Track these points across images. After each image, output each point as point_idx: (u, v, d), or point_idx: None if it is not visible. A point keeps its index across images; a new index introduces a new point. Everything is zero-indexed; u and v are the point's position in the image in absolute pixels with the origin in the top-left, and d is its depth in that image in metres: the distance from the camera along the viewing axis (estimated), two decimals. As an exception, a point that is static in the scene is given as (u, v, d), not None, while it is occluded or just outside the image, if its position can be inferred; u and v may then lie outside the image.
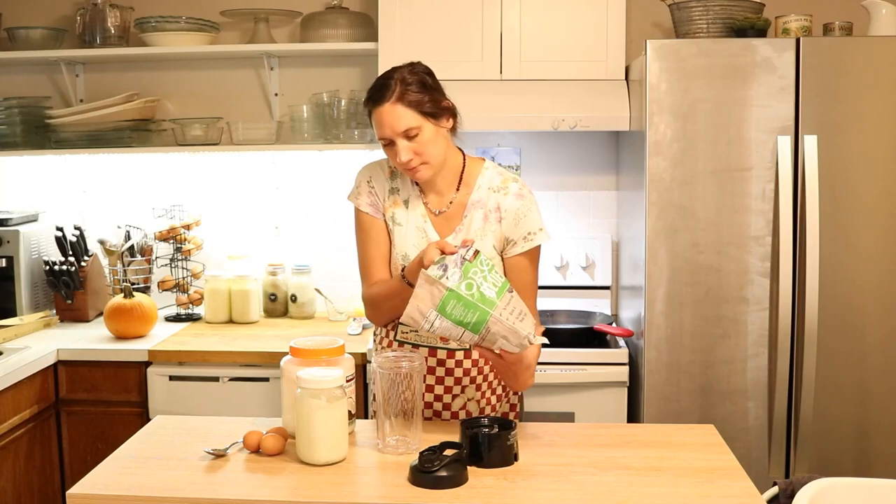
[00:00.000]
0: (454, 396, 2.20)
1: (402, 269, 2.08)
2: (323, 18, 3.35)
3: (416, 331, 2.13)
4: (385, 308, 2.19)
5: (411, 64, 2.14)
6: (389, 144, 2.10)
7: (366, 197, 2.23)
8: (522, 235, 2.15)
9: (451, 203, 2.19)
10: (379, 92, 2.08)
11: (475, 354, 2.18)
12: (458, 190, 2.19)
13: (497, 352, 1.90)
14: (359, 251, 2.25)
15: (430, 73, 2.14)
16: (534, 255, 2.19)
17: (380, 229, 2.22)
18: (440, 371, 2.18)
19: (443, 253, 1.90)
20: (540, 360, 2.84)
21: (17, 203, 3.61)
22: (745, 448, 2.71)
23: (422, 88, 2.08)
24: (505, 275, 2.15)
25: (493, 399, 2.25)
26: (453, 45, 3.12)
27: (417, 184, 2.21)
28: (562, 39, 3.11)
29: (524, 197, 2.17)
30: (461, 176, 2.20)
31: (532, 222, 2.15)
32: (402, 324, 2.14)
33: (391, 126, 2.06)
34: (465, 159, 2.22)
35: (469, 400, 2.21)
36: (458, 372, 2.19)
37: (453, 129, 2.18)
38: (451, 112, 2.15)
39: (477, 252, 1.88)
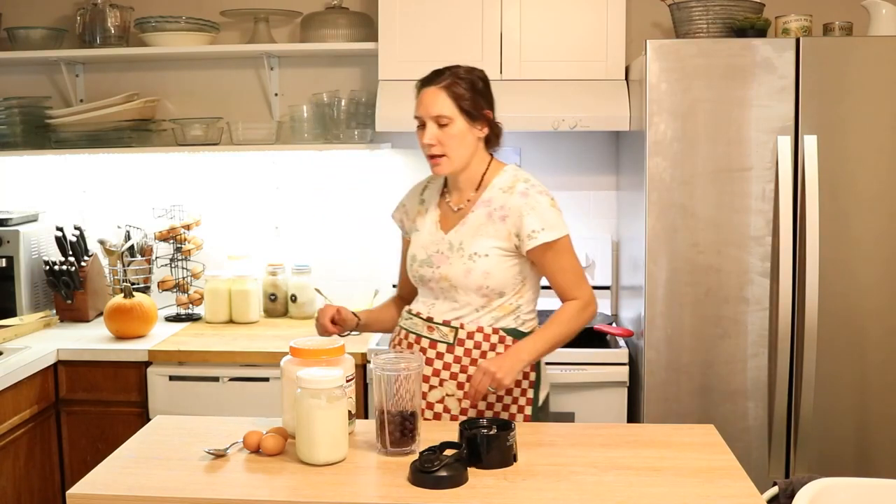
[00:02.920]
0: (431, 387, 2.24)
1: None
2: (323, 18, 3.35)
3: (410, 318, 2.33)
4: None
5: (472, 67, 2.29)
6: (421, 126, 2.24)
7: (399, 215, 2.48)
8: (527, 234, 2.24)
9: (468, 201, 2.31)
10: (431, 76, 2.27)
11: (459, 351, 2.25)
12: (477, 190, 2.31)
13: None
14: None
15: (484, 79, 2.29)
16: (550, 248, 2.25)
17: (404, 244, 2.48)
18: None
19: None
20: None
21: (17, 203, 3.61)
22: (745, 448, 2.71)
23: (469, 87, 2.24)
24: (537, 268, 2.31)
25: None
26: (453, 45, 3.11)
27: (445, 184, 2.37)
28: (562, 39, 3.11)
29: (528, 196, 2.26)
30: (482, 178, 2.32)
31: (533, 221, 2.23)
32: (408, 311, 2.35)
33: (427, 107, 2.22)
34: (490, 164, 2.33)
35: (448, 395, 2.24)
36: (438, 364, 2.25)
37: (489, 142, 2.31)
38: (488, 121, 2.27)
39: None
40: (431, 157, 2.24)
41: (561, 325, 2.24)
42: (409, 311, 2.36)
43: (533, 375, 2.30)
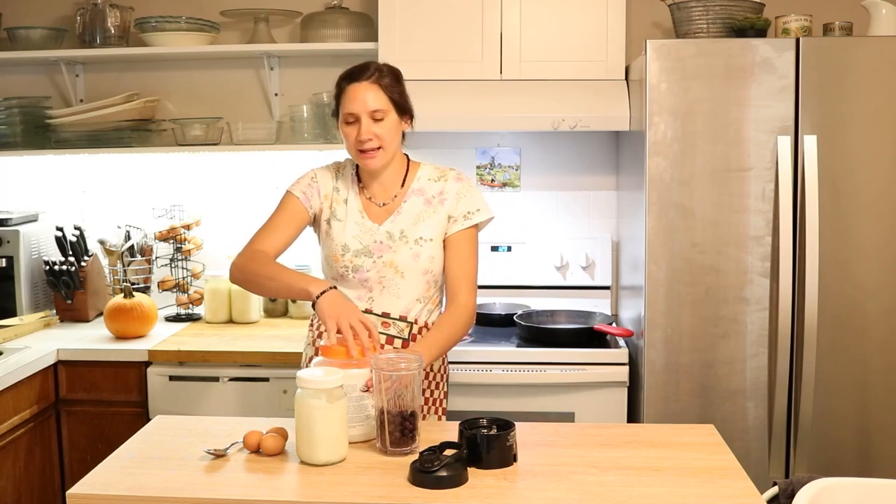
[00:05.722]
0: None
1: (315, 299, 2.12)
2: (323, 18, 3.35)
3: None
4: (258, 282, 2.28)
5: (385, 63, 2.31)
6: (353, 122, 2.23)
7: (304, 187, 2.36)
8: (463, 213, 2.30)
9: (394, 196, 2.33)
10: (357, 71, 2.25)
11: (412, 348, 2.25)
12: (402, 186, 2.34)
13: None
14: (266, 221, 2.36)
15: (401, 74, 2.31)
16: (472, 235, 2.32)
17: (298, 216, 2.34)
18: None
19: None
20: (540, 360, 2.89)
21: (17, 203, 3.61)
22: (745, 448, 2.71)
23: (396, 80, 2.28)
24: (445, 253, 2.32)
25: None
26: (453, 46, 3.12)
27: (359, 180, 2.35)
28: (562, 39, 3.11)
29: (463, 180, 2.36)
30: (406, 173, 2.36)
31: (472, 202, 2.32)
32: None
33: (363, 102, 2.21)
34: (408, 160, 2.39)
35: None
36: None
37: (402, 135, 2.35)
38: (411, 115, 2.31)
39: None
40: (365, 151, 2.23)
41: (449, 339, 2.24)
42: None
43: (442, 368, 2.37)
